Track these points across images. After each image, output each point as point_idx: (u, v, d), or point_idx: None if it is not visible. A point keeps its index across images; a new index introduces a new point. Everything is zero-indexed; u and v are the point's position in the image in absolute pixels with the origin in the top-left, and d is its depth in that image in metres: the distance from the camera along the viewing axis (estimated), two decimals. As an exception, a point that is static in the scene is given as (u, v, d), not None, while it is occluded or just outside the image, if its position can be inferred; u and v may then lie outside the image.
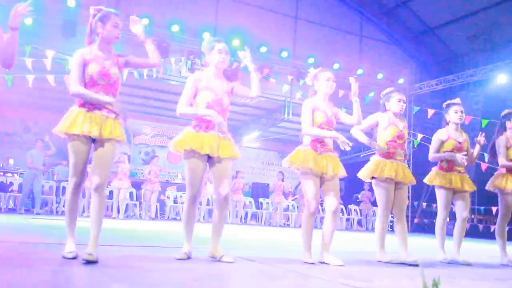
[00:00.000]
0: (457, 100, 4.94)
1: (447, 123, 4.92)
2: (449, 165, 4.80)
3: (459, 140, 4.81)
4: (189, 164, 3.58)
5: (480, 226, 12.82)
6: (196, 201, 3.63)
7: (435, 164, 4.96)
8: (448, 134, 4.85)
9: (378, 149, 4.41)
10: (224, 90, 3.72)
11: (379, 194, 4.39)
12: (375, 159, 4.44)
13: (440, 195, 4.83)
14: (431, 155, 4.89)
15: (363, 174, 4.49)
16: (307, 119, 3.99)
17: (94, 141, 3.23)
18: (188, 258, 3.47)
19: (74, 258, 3.01)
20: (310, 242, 3.92)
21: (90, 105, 3.18)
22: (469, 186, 4.80)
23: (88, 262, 2.87)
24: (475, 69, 13.39)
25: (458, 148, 4.77)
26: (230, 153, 3.61)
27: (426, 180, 4.94)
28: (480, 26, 14.22)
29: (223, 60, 3.71)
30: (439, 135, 4.90)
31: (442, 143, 4.84)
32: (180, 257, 3.44)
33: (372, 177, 4.42)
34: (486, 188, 5.10)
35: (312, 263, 3.73)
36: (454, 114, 4.87)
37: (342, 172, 4.00)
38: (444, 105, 5.02)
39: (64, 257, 3.02)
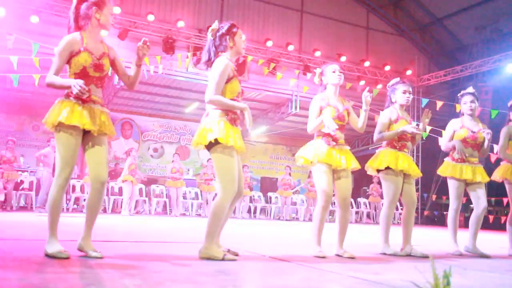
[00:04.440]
0: (470, 89, 4.92)
1: (462, 114, 4.93)
2: (461, 156, 4.78)
3: (473, 129, 4.78)
4: None
5: (491, 218, 12.75)
6: None
7: (445, 155, 4.96)
8: (462, 123, 4.84)
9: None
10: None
11: (388, 186, 4.36)
12: (386, 151, 4.41)
13: (451, 186, 4.82)
14: (443, 144, 4.92)
15: (375, 165, 4.39)
16: (312, 116, 3.98)
17: (84, 135, 3.08)
18: None
19: (67, 258, 2.85)
20: (321, 236, 3.91)
21: (83, 99, 3.00)
22: (482, 177, 4.75)
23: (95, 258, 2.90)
24: (483, 59, 13.28)
25: (471, 138, 4.75)
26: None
27: (438, 171, 4.95)
28: (487, 16, 14.09)
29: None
30: (451, 124, 4.92)
31: (454, 132, 4.85)
32: None
33: (378, 170, 4.39)
34: (492, 178, 5.07)
35: (323, 257, 3.71)
36: (463, 105, 4.91)
37: (356, 165, 3.98)
38: (458, 95, 5.03)
39: (55, 257, 2.84)
